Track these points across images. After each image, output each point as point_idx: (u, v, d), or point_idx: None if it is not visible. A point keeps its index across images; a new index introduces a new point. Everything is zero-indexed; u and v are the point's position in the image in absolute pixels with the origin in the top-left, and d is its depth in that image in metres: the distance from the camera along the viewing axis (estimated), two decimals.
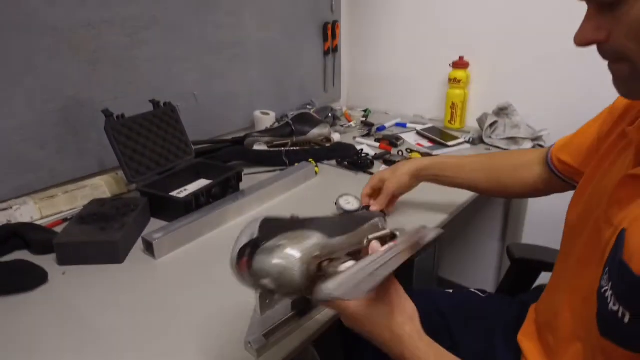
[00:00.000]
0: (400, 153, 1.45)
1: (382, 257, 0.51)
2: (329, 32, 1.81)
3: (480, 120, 1.59)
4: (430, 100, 1.79)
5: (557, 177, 0.86)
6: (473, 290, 1.00)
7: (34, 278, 0.83)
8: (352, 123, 1.75)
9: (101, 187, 1.16)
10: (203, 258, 0.93)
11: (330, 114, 1.67)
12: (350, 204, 1.07)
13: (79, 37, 1.11)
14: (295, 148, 1.41)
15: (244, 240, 0.55)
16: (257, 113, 1.57)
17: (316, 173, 1.32)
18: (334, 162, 1.39)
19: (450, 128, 1.69)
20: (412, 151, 1.46)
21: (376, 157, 1.41)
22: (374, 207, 1.02)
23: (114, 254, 0.90)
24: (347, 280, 0.44)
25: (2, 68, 1.01)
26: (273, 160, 1.34)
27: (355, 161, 1.36)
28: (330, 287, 0.42)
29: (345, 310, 0.55)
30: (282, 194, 1.19)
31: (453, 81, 1.64)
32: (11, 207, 1.04)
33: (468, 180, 1.01)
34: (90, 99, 1.17)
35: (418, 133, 1.63)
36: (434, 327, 0.52)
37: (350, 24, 1.93)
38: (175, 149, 1.19)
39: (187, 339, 0.71)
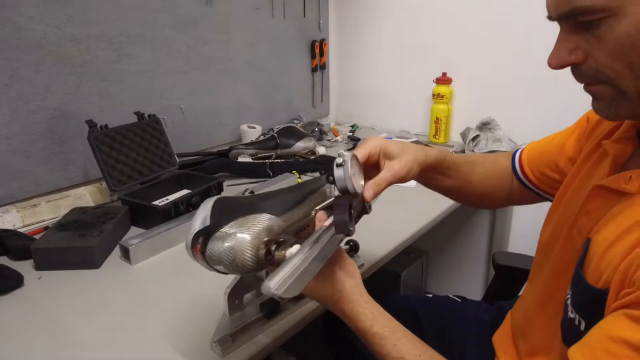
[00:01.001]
0: None
1: (318, 248, 0.52)
2: (317, 49, 1.85)
3: (464, 135, 1.62)
4: (416, 116, 1.82)
5: (528, 189, 0.83)
6: (451, 296, 1.01)
7: (8, 281, 0.84)
8: (338, 138, 1.78)
9: (84, 196, 1.18)
10: (179, 264, 0.94)
11: (316, 129, 1.70)
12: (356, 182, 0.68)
13: (65, 51, 1.15)
14: (279, 160, 1.43)
15: (197, 226, 0.56)
16: (244, 127, 1.60)
17: (299, 182, 1.33)
18: (317, 174, 1.41)
19: (435, 142, 1.72)
20: None
21: None
22: (369, 191, 0.64)
23: (91, 259, 0.91)
24: (287, 279, 0.46)
25: None
26: (257, 171, 1.36)
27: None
28: (272, 289, 0.44)
29: None
30: None
31: (437, 96, 1.67)
32: None
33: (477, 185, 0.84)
34: (76, 111, 1.20)
35: None
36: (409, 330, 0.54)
37: (338, 42, 1.97)
38: (159, 159, 1.22)
39: (157, 339, 0.72)
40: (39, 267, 0.91)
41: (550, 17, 0.50)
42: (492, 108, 1.61)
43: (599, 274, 0.50)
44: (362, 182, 0.63)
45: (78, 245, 0.91)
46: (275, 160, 1.42)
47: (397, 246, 1.00)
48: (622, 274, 0.46)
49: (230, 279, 0.71)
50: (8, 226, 1.06)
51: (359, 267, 0.91)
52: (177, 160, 1.29)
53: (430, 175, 0.78)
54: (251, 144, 1.46)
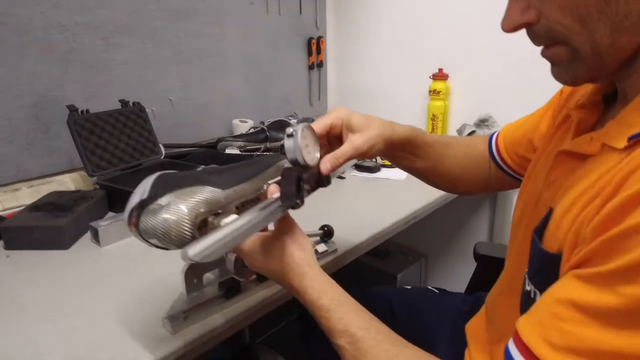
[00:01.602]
0: (374, 160, 1.44)
1: (250, 221, 0.50)
2: (314, 47, 1.84)
3: (460, 131, 1.58)
4: (413, 113, 1.79)
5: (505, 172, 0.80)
6: (430, 287, 0.97)
7: None
8: None
9: (67, 183, 1.18)
10: (148, 247, 0.92)
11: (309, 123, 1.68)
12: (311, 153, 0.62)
13: (51, 37, 1.16)
14: (267, 153, 1.41)
15: (135, 200, 0.54)
16: (236, 121, 1.59)
17: None
18: None
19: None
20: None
21: None
22: (326, 164, 0.60)
23: (60, 240, 0.90)
24: (208, 246, 0.43)
25: None
26: None
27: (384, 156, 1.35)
28: (189, 253, 0.41)
29: (241, 250, 0.57)
30: None
31: (433, 93, 1.64)
32: None
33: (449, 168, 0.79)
34: (62, 98, 1.20)
35: None
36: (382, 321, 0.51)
37: (336, 40, 1.96)
38: (142, 147, 1.21)
39: (111, 318, 0.69)
40: (8, 246, 0.90)
41: None
42: (490, 104, 1.57)
43: (555, 240, 0.46)
44: (317, 155, 0.60)
45: (47, 224, 0.90)
46: (264, 153, 1.40)
47: (374, 235, 0.97)
48: (574, 234, 0.42)
49: None
50: None
51: (332, 252, 0.87)
52: (163, 150, 1.28)
53: (399, 153, 0.74)
54: (240, 136, 1.45)
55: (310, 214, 1.07)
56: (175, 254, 0.62)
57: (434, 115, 1.66)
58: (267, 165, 0.66)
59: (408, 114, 1.81)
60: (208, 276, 0.75)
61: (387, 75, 1.85)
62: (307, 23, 1.82)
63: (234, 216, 0.52)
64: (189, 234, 0.52)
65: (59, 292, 0.77)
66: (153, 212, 0.51)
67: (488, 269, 0.99)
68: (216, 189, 0.55)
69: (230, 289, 0.72)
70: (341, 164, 0.62)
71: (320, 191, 1.30)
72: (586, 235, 0.39)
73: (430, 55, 1.68)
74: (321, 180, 0.62)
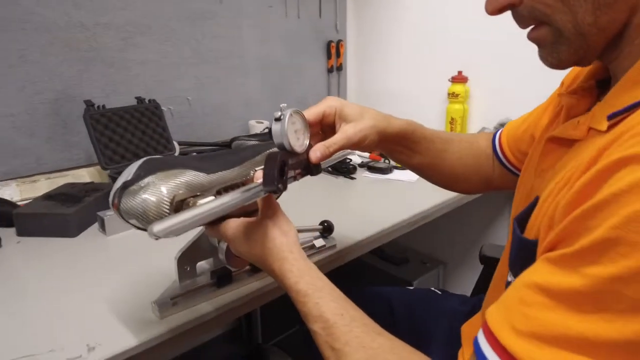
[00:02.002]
0: (387, 161, 1.42)
1: (223, 203, 0.50)
2: (333, 50, 1.85)
3: None
4: (432, 116, 1.76)
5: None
6: (433, 288, 0.94)
7: None
8: None
9: (83, 177, 1.21)
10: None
11: None
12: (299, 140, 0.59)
13: (72, 37, 1.20)
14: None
15: (119, 183, 0.55)
16: (252, 122, 1.61)
17: None
18: None
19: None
20: None
21: (361, 164, 1.39)
22: (316, 152, 0.58)
23: (67, 228, 0.92)
24: (173, 224, 0.44)
25: None
26: None
27: (338, 166, 1.34)
28: (154, 229, 0.42)
29: (225, 236, 0.57)
30: None
31: (452, 96, 1.61)
32: None
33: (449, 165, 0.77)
34: (82, 95, 1.24)
35: None
36: (380, 320, 0.50)
37: (356, 43, 1.96)
38: (155, 143, 1.23)
39: (104, 302, 0.71)
40: (19, 232, 0.93)
41: None
42: (510, 108, 1.52)
43: (534, 227, 0.44)
44: (307, 142, 0.60)
45: (55, 212, 0.93)
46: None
47: (376, 233, 0.95)
48: (549, 218, 0.40)
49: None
50: (6, 198, 1.10)
51: (330, 247, 0.86)
52: (177, 147, 1.31)
53: (395, 147, 0.72)
54: (254, 136, 1.46)
55: (316, 210, 1.07)
56: (175, 242, 0.64)
57: (452, 119, 1.63)
58: (257, 152, 0.66)
59: (427, 117, 1.78)
60: (202, 265, 0.75)
61: (406, 78, 1.83)
62: (326, 26, 1.83)
63: (210, 197, 0.52)
64: (167, 214, 0.52)
65: (60, 277, 0.79)
66: (133, 193, 0.52)
67: (494, 270, 0.95)
68: (199, 173, 0.55)
69: (221, 278, 0.72)
70: (332, 153, 0.62)
71: (329, 189, 1.31)
72: (558, 216, 0.37)
73: (449, 58, 1.65)
74: (310, 168, 0.62)
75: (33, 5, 1.13)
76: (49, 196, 1.01)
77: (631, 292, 0.30)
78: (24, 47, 1.13)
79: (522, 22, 0.46)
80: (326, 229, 0.88)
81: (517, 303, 0.36)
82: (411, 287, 0.96)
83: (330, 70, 1.88)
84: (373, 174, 1.34)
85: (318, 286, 0.52)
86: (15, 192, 1.13)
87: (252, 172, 0.63)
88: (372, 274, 1.83)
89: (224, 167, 0.58)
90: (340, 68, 1.90)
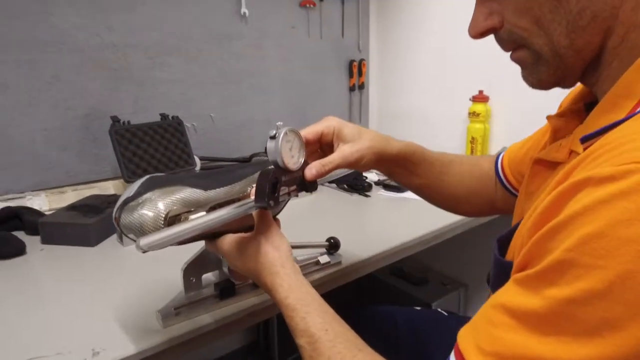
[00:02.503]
0: None
1: (211, 218, 0.52)
2: (355, 69, 1.88)
3: None
4: (453, 136, 1.75)
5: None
6: (440, 310, 0.93)
7: (10, 248, 0.92)
8: None
9: (108, 189, 1.28)
10: (168, 249, 0.97)
11: None
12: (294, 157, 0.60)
13: (104, 56, 1.28)
14: None
15: (121, 199, 0.58)
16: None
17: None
18: (334, 184, 1.40)
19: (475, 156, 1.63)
20: None
21: (377, 182, 1.40)
22: (311, 170, 0.60)
23: (87, 237, 0.97)
24: (158, 239, 0.47)
25: (33, 77, 1.18)
26: None
27: (353, 183, 1.36)
28: (140, 243, 0.46)
29: (221, 250, 0.60)
30: None
31: (472, 115, 1.60)
32: (25, 197, 1.17)
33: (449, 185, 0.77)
34: (111, 111, 1.31)
35: None
36: (382, 340, 0.51)
37: (379, 62, 1.98)
38: (177, 158, 1.28)
39: (113, 310, 0.74)
40: (44, 240, 0.99)
41: None
42: (532, 127, 1.49)
43: (513, 248, 0.44)
44: (302, 159, 0.62)
45: (77, 222, 0.98)
46: None
47: (385, 251, 0.95)
48: (522, 239, 0.40)
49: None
50: (35, 207, 1.17)
51: (335, 264, 0.87)
52: (198, 162, 1.35)
53: (394, 169, 0.73)
54: None
55: (328, 226, 1.09)
56: (184, 254, 0.67)
57: (473, 138, 1.62)
58: (257, 169, 0.68)
59: (447, 136, 1.78)
60: (208, 277, 0.78)
61: (427, 96, 1.83)
62: (349, 46, 1.86)
63: (201, 213, 0.55)
64: (159, 228, 0.55)
65: (75, 283, 0.83)
66: (132, 209, 0.55)
67: None
68: (196, 190, 0.58)
69: (224, 290, 0.74)
70: (327, 172, 0.63)
71: (343, 206, 1.32)
72: (525, 237, 0.37)
73: (470, 77, 1.65)
74: (306, 185, 0.63)
75: (69, 27, 1.21)
76: (73, 207, 1.07)
77: (585, 315, 0.30)
78: (59, 67, 1.21)
79: (503, 45, 0.47)
80: (332, 245, 0.90)
81: (485, 323, 0.37)
82: (418, 308, 0.95)
83: (352, 89, 1.90)
84: (388, 192, 1.34)
85: (306, 301, 0.53)
86: (44, 202, 1.19)
87: (249, 188, 0.65)
88: (389, 293, 1.81)
89: (221, 184, 0.60)
90: (362, 86, 1.93)
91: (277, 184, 0.57)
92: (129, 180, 1.18)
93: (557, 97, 1.53)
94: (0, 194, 1.16)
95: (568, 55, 0.42)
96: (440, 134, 1.81)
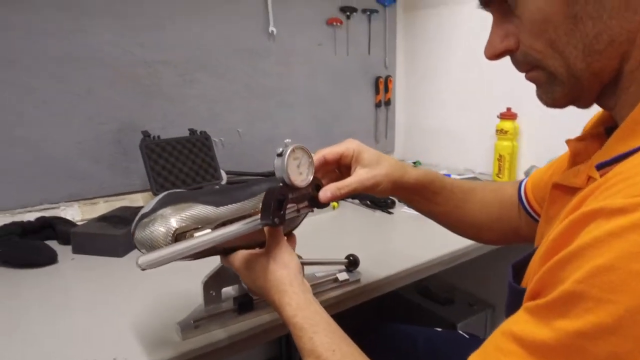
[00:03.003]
0: None
1: (215, 236, 0.54)
2: (381, 85, 1.88)
3: (527, 174, 1.49)
4: (480, 153, 1.73)
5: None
6: (461, 332, 0.91)
7: (43, 257, 0.96)
8: None
9: (137, 201, 1.32)
10: (192, 262, 0.99)
11: None
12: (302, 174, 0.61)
13: (136, 72, 1.33)
14: None
15: (139, 214, 0.60)
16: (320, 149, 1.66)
17: (334, 207, 1.33)
18: (357, 200, 1.40)
19: (498, 182, 1.60)
20: None
21: (401, 199, 1.39)
22: (326, 193, 0.62)
23: (115, 248, 1.00)
24: (156, 257, 0.49)
25: (68, 92, 1.24)
26: None
27: (376, 200, 1.35)
28: (138, 261, 0.47)
29: (233, 266, 0.61)
30: None
31: (500, 132, 1.58)
32: (59, 207, 1.22)
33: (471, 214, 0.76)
34: (142, 125, 1.36)
35: None
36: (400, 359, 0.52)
37: (406, 79, 1.98)
38: (204, 172, 1.31)
39: (137, 320, 0.76)
40: (75, 250, 1.03)
41: (479, 5, 0.48)
42: (562, 146, 1.46)
43: (528, 275, 0.43)
44: (310, 176, 0.62)
45: (106, 233, 1.01)
46: None
47: (403, 271, 0.94)
48: (535, 265, 0.39)
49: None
50: (68, 218, 1.22)
51: (354, 282, 0.87)
52: (224, 176, 1.38)
53: (411, 197, 0.74)
54: None
55: (349, 243, 1.09)
56: (207, 267, 0.68)
57: (500, 156, 1.59)
58: (271, 186, 0.69)
59: (474, 153, 1.75)
60: (228, 290, 0.79)
61: (454, 113, 1.82)
62: (375, 63, 1.87)
63: (207, 230, 0.56)
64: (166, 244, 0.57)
65: (102, 293, 0.86)
66: (144, 225, 0.57)
67: None
68: (208, 207, 0.59)
69: (242, 305, 0.75)
70: (343, 195, 0.65)
71: (365, 223, 1.31)
72: (538, 265, 0.37)
73: (498, 94, 1.63)
74: (317, 202, 0.64)
75: (102, 44, 1.27)
76: (103, 218, 1.10)
77: (594, 349, 0.29)
78: (93, 82, 1.27)
79: (519, 66, 0.48)
80: (351, 262, 0.90)
81: (494, 350, 0.36)
82: (439, 329, 0.94)
83: (378, 105, 1.91)
84: (412, 209, 1.33)
85: (314, 321, 0.53)
86: (77, 213, 1.24)
87: (260, 205, 0.66)
88: (414, 312, 1.78)
89: (234, 201, 0.62)
90: (388, 103, 1.93)
91: (284, 201, 0.58)
92: (157, 193, 1.21)
93: (588, 117, 1.49)
94: (35, 204, 1.21)
95: (584, 78, 0.42)
96: (467, 151, 1.79)
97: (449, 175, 1.65)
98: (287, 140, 0.60)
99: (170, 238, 0.56)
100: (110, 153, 1.33)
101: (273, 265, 0.57)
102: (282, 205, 0.57)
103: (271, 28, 1.55)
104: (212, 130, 1.45)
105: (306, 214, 0.70)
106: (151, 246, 0.56)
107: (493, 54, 0.47)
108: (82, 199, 1.29)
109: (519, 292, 0.42)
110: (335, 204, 1.34)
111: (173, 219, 0.57)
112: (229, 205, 0.61)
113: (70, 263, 0.99)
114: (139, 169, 1.37)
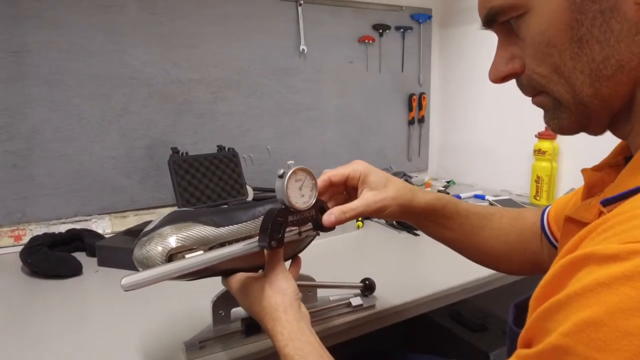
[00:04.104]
0: None
1: (203, 259, 0.53)
2: (414, 103, 1.85)
3: None
4: (517, 174, 1.65)
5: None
6: None
7: (68, 269, 0.99)
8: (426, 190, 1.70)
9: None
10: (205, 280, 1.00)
11: (401, 178, 1.66)
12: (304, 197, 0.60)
13: (169, 90, 1.37)
14: None
15: (143, 232, 0.61)
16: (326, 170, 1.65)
17: (358, 227, 1.31)
18: (382, 220, 1.37)
19: (536, 204, 1.52)
20: None
21: None
22: (330, 216, 0.60)
23: None
24: (141, 278, 0.49)
25: (105, 109, 1.29)
26: None
27: (403, 221, 1.31)
28: (122, 281, 0.47)
29: (230, 289, 0.61)
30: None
31: (538, 152, 1.51)
32: (90, 220, 1.27)
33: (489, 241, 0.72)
34: (173, 142, 1.39)
35: (490, 204, 1.50)
36: None
37: (440, 96, 1.94)
38: (230, 188, 1.33)
39: (146, 335, 0.77)
40: (100, 262, 1.06)
41: (482, 27, 0.46)
42: None
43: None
44: (313, 199, 0.61)
45: (128, 247, 1.03)
46: None
47: (425, 297, 0.90)
48: (530, 309, 0.36)
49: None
50: (99, 230, 1.26)
51: (368, 307, 0.84)
52: (250, 192, 1.39)
53: (422, 221, 0.70)
54: None
55: (369, 265, 1.06)
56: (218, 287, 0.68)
57: (538, 177, 1.51)
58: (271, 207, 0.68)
59: (511, 174, 1.68)
60: (238, 311, 0.78)
61: (490, 131, 1.75)
62: (408, 80, 1.85)
63: (199, 252, 0.55)
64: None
65: (117, 307, 0.87)
66: (143, 243, 0.57)
67: None
68: (207, 227, 0.59)
69: (249, 327, 0.74)
70: (348, 219, 0.62)
71: (389, 244, 1.27)
72: (530, 310, 0.33)
73: (536, 112, 1.55)
74: (321, 226, 0.62)
75: (139, 64, 1.32)
76: (129, 231, 1.13)
77: None
78: (128, 100, 1.32)
79: (524, 90, 0.45)
80: (367, 287, 0.87)
81: None
82: None
83: (411, 122, 1.87)
84: None
85: (305, 352, 0.51)
86: (108, 225, 1.28)
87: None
88: (444, 338, 1.71)
89: (235, 222, 0.61)
90: (422, 120, 1.89)
91: (283, 224, 0.57)
92: (182, 208, 1.24)
93: None
94: (69, 215, 1.26)
95: (593, 104, 0.38)
96: (503, 171, 1.72)
97: (482, 197, 1.60)
98: (289, 162, 0.59)
99: (163, 258, 0.56)
100: (143, 168, 1.37)
101: (269, 291, 0.55)
102: (281, 228, 0.56)
103: (302, 46, 1.56)
104: (242, 146, 1.47)
105: (313, 237, 0.68)
106: (147, 265, 0.56)
107: (497, 77, 0.45)
108: (114, 211, 1.33)
109: (516, 334, 0.38)
110: (359, 223, 1.32)
111: (171, 238, 0.56)
112: (230, 227, 0.60)
113: (93, 276, 1.02)
114: (169, 183, 1.40)
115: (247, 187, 1.39)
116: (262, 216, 0.63)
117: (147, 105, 1.35)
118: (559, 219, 0.66)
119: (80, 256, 1.11)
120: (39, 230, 1.21)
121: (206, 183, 1.29)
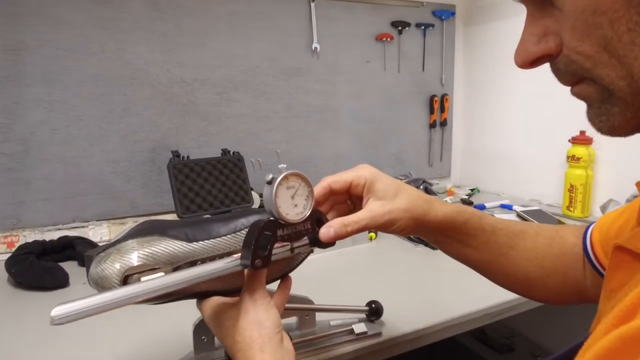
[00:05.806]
0: None
1: (161, 284, 0.43)
2: (436, 105, 1.73)
3: (603, 208, 1.27)
4: (548, 181, 1.51)
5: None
6: None
7: (53, 280, 0.93)
8: (448, 199, 1.58)
9: None
10: None
11: (421, 186, 1.55)
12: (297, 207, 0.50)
13: (173, 91, 1.30)
14: None
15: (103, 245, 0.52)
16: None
17: (371, 239, 1.20)
18: None
19: (569, 216, 1.39)
20: None
21: None
22: (329, 230, 0.51)
23: None
24: (73, 310, 0.39)
25: (105, 110, 1.23)
26: None
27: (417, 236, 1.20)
28: (52, 313, 0.38)
29: (203, 316, 0.52)
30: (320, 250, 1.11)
31: (572, 159, 1.37)
32: (87, 226, 1.21)
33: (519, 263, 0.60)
34: (177, 145, 1.32)
35: (518, 215, 1.37)
36: None
37: (464, 98, 1.82)
38: (234, 195, 1.25)
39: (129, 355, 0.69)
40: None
41: None
42: None
43: None
44: (308, 211, 0.51)
45: None
46: None
47: (437, 324, 0.79)
48: None
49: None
50: (96, 237, 1.19)
51: (373, 335, 0.74)
52: (257, 198, 1.30)
53: (440, 238, 0.59)
54: None
55: (380, 282, 0.95)
56: None
57: (572, 186, 1.37)
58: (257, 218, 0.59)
59: (542, 182, 1.54)
60: None
61: (519, 136, 1.62)
62: (430, 80, 1.73)
63: (159, 274, 0.46)
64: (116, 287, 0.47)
65: (98, 324, 0.79)
66: (100, 259, 0.49)
67: None
68: (177, 242, 0.50)
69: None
70: (349, 234, 0.52)
71: (404, 259, 1.17)
72: None
73: (570, 115, 1.41)
74: (319, 241, 0.52)
75: (141, 63, 1.25)
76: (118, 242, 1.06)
77: None
78: (130, 101, 1.25)
79: (561, 77, 0.34)
80: (373, 311, 0.76)
81: None
82: None
83: (432, 126, 1.76)
84: None
85: None
86: (105, 232, 1.22)
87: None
88: (468, 359, 1.58)
89: (211, 236, 0.52)
90: (444, 123, 1.77)
91: (270, 239, 0.47)
92: (182, 216, 1.16)
93: None
94: (66, 222, 1.20)
95: None
96: (533, 179, 1.58)
97: (509, 207, 1.47)
98: (281, 166, 0.49)
99: (116, 280, 0.47)
100: (144, 172, 1.30)
101: (243, 322, 0.46)
102: (268, 244, 0.47)
103: (315, 45, 1.47)
104: (249, 150, 1.39)
105: (307, 254, 0.59)
106: (103, 287, 0.47)
107: (526, 61, 0.34)
108: (113, 218, 1.26)
109: None
110: (372, 234, 1.21)
111: (133, 255, 0.48)
112: (205, 242, 0.51)
113: (81, 287, 0.95)
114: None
115: (253, 193, 1.31)
116: (245, 229, 0.53)
117: (150, 106, 1.28)
118: (605, 242, 0.54)
119: (72, 266, 1.05)
120: (33, 236, 1.15)
121: (208, 189, 1.21)
